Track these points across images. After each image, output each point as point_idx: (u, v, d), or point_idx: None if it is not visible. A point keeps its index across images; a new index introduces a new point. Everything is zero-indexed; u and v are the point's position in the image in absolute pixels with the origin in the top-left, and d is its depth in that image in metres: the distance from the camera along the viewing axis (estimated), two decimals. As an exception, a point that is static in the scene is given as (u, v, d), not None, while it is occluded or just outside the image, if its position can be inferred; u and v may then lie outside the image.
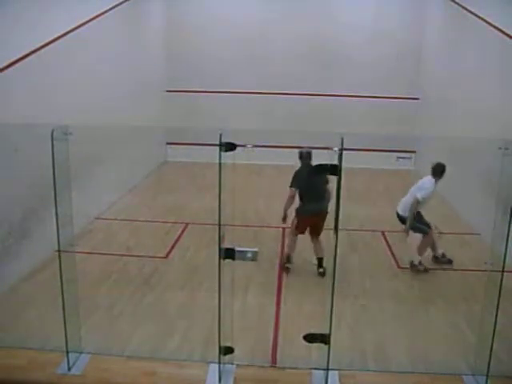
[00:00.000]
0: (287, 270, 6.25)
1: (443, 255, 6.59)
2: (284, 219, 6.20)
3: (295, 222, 6.23)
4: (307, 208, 6.11)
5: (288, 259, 6.32)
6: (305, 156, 6.11)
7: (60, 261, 3.99)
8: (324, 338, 3.92)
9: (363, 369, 4.27)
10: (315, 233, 6.18)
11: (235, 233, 4.11)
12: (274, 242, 7.02)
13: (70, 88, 6.94)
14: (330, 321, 3.80)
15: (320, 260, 6.19)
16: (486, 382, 3.93)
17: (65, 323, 4.03)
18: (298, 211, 6.20)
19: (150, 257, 6.57)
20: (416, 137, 11.90)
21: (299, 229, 6.22)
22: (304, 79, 12.04)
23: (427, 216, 6.42)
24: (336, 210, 3.76)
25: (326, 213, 5.92)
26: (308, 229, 6.21)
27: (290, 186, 6.05)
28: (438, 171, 6.22)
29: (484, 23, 8.04)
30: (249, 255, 4.01)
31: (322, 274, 6.07)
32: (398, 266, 6.49)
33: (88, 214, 7.59)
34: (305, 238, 6.26)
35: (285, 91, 12.03)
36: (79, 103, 6.98)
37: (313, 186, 5.93)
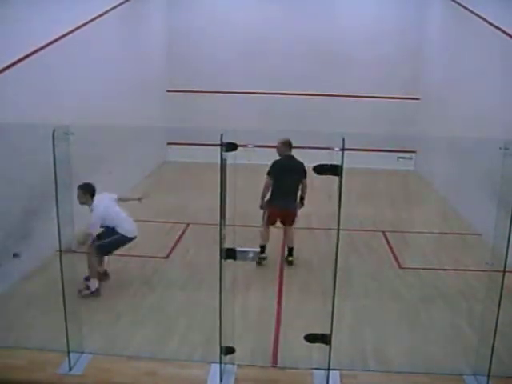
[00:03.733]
0: (259, 263, 6.30)
1: (105, 273, 5.86)
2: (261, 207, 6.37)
3: (266, 213, 6.38)
4: (276, 202, 6.23)
5: (262, 250, 6.38)
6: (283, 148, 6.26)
7: (61, 260, 3.99)
8: (325, 338, 3.91)
9: (364, 369, 4.26)
10: (287, 223, 6.40)
11: (236, 233, 4.10)
12: (275, 241, 7.01)
13: (71, 88, 6.92)
14: (331, 321, 3.80)
15: (290, 249, 6.45)
16: (488, 382, 3.92)
17: (66, 323, 4.02)
18: (268, 202, 6.30)
19: (151, 257, 6.57)
20: (416, 137, 11.89)
21: (269, 220, 6.38)
22: (304, 79, 12.03)
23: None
24: (338, 211, 3.76)
25: (295, 213, 6.30)
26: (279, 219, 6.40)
27: (268, 174, 6.13)
28: None
29: (484, 22, 8.04)
30: (250, 255, 4.00)
31: (291, 263, 6.36)
32: (399, 266, 6.49)
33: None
34: (305, 236, 6.23)
35: (285, 91, 12.02)
36: (80, 103, 6.98)
37: (286, 182, 6.08)
